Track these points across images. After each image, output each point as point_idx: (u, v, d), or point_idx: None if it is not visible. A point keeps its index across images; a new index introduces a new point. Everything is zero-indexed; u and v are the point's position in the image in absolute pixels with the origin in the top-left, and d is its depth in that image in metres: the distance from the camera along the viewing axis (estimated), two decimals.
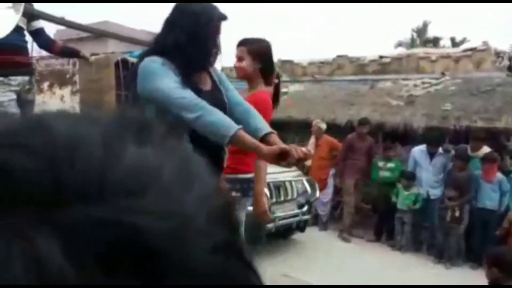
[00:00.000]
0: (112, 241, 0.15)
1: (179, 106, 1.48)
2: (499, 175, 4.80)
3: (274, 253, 4.48)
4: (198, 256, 0.17)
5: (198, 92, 1.59)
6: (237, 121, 1.59)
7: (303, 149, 1.53)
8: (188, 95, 1.50)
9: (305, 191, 4.98)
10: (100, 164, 0.17)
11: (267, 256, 4.05)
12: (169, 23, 1.66)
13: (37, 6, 2.61)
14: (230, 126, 1.47)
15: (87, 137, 0.18)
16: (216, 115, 1.49)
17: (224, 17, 1.69)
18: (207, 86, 1.72)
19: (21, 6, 1.68)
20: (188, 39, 1.59)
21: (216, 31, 1.67)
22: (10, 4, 1.63)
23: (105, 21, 12.22)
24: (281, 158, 1.46)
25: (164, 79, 1.51)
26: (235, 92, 1.82)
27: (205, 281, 0.17)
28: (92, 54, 2.82)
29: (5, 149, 0.16)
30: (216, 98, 1.69)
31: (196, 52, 1.61)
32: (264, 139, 1.57)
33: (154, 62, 1.56)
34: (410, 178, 5.32)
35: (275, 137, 1.57)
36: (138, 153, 0.18)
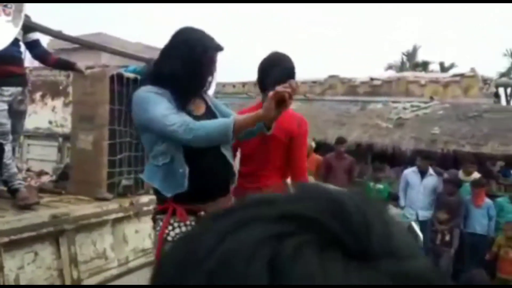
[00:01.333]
0: None
1: (174, 134, 1.52)
2: (487, 201, 4.86)
3: None
4: None
5: (193, 117, 1.62)
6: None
7: (291, 83, 1.50)
8: (178, 120, 1.52)
9: None
10: (385, 233, 0.25)
11: None
12: (166, 52, 1.71)
13: (31, 15, 2.61)
14: (225, 124, 1.51)
15: (372, 216, 0.25)
16: (208, 125, 1.53)
17: (219, 48, 1.71)
18: (201, 111, 1.76)
19: (20, 20, 1.69)
20: (183, 68, 1.62)
21: (211, 61, 1.69)
22: (9, 18, 1.64)
23: (99, 32, 12.25)
24: (281, 105, 1.47)
25: (157, 106, 1.54)
26: (227, 109, 1.88)
27: None
28: (87, 68, 2.82)
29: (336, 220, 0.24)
30: (210, 118, 1.72)
31: (190, 80, 1.65)
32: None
33: (148, 92, 1.60)
34: (393, 200, 5.35)
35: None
36: (398, 227, 0.27)
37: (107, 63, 5.59)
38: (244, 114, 1.88)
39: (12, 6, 1.65)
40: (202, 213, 1.66)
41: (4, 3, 1.62)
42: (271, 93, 1.45)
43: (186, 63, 1.62)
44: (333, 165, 5.65)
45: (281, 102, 1.45)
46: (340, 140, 5.78)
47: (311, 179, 5.77)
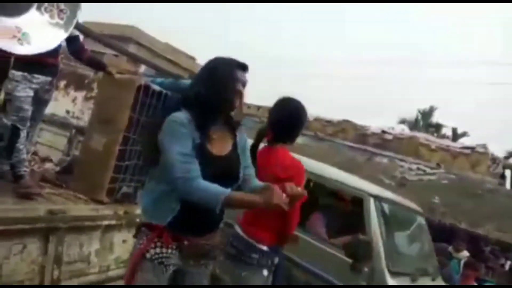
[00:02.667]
0: None
1: (174, 181, 1.58)
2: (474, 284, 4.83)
3: None
4: None
5: (211, 158, 1.68)
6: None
7: (297, 188, 1.61)
8: (184, 173, 1.57)
9: None
10: None
11: None
12: (195, 78, 1.81)
13: None
14: (217, 197, 1.56)
15: None
16: (204, 191, 1.57)
17: (241, 66, 1.76)
18: (225, 150, 1.77)
19: (71, 26, 1.74)
20: (206, 88, 1.70)
21: (233, 78, 1.73)
22: (61, 22, 1.68)
23: (132, 26, 12.48)
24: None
25: (177, 146, 1.60)
26: (249, 159, 1.90)
27: None
28: (118, 72, 2.87)
29: None
30: (230, 164, 1.77)
31: (213, 98, 1.70)
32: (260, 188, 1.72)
33: (176, 122, 1.64)
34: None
35: (271, 186, 1.65)
36: None
37: (136, 51, 5.64)
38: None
39: (68, 12, 1.71)
40: (186, 242, 1.68)
41: (61, 8, 1.68)
42: (278, 193, 1.53)
43: (209, 82, 1.72)
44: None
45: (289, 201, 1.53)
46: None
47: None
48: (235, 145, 1.82)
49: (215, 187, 1.57)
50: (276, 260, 2.21)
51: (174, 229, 1.66)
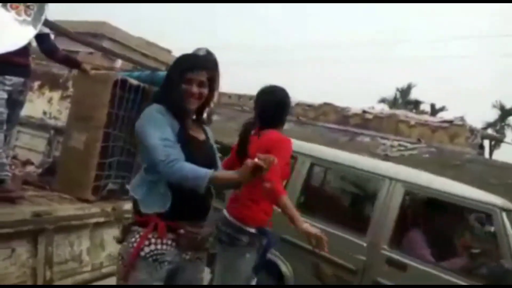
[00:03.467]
0: None
1: (158, 165, 1.59)
2: None
3: None
4: None
5: (194, 141, 1.72)
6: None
7: (270, 159, 1.56)
8: (166, 156, 1.57)
9: None
10: None
11: None
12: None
13: None
14: (201, 175, 1.56)
15: None
16: (188, 170, 1.58)
17: (190, 66, 1.75)
18: (202, 137, 1.85)
19: (40, 23, 1.70)
20: (163, 94, 1.76)
21: (179, 83, 1.74)
22: (29, 19, 1.65)
23: (103, 22, 12.20)
24: (256, 173, 1.53)
25: (156, 132, 1.61)
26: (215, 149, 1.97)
27: None
28: (93, 68, 2.82)
29: None
30: (210, 149, 1.85)
31: (169, 98, 1.73)
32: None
33: (156, 112, 1.67)
34: None
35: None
36: None
37: (110, 47, 5.56)
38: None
39: (35, 7, 1.67)
40: (182, 231, 1.68)
41: (27, 3, 1.64)
42: (249, 162, 1.51)
43: (163, 88, 1.78)
44: None
45: (257, 171, 1.51)
46: None
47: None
48: (207, 136, 1.89)
49: (199, 168, 1.58)
50: (264, 241, 2.25)
51: (168, 218, 1.66)
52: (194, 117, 1.87)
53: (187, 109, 1.77)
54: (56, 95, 3.66)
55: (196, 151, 1.70)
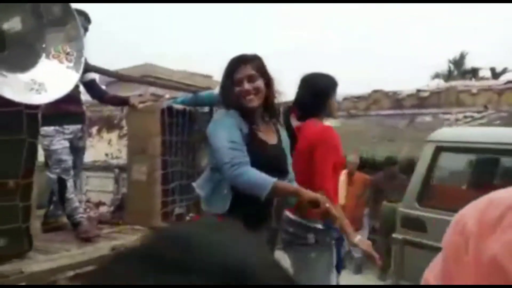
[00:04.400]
0: None
1: (222, 167, 1.61)
2: None
3: None
4: None
5: (263, 144, 1.71)
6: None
7: (328, 205, 1.65)
8: (231, 158, 1.58)
9: None
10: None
11: None
12: None
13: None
14: (265, 183, 1.57)
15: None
16: (252, 176, 1.58)
17: (235, 60, 1.74)
18: (273, 140, 1.81)
19: (81, 65, 1.81)
20: (222, 96, 1.78)
21: (227, 75, 1.74)
22: (71, 64, 1.76)
23: (145, 63, 12.86)
24: (312, 206, 1.63)
25: (224, 134, 1.63)
26: (287, 148, 1.92)
27: None
28: (140, 102, 2.95)
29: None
30: (280, 153, 1.81)
31: (228, 101, 1.73)
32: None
33: (223, 114, 1.70)
34: None
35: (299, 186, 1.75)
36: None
37: (155, 91, 5.82)
38: None
39: (74, 53, 1.77)
40: None
41: (67, 51, 1.75)
42: (314, 196, 1.62)
43: (221, 92, 1.79)
44: (381, 187, 5.42)
45: (315, 205, 1.62)
46: (391, 161, 5.51)
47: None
48: (279, 139, 1.84)
49: (262, 175, 1.58)
50: (335, 235, 2.13)
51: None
52: (267, 118, 1.82)
53: (251, 108, 1.73)
54: (114, 136, 3.88)
55: (264, 155, 1.68)
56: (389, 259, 5.31)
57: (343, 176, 5.98)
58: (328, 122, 2.54)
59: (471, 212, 0.60)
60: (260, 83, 1.72)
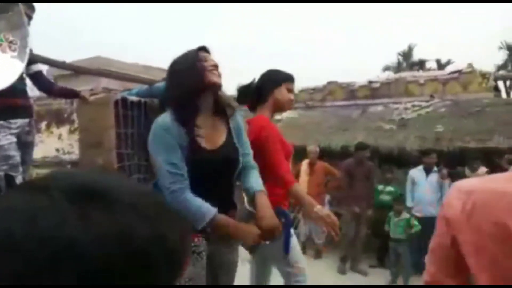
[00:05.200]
0: None
1: (162, 189, 1.61)
2: None
3: None
4: None
5: (204, 153, 1.67)
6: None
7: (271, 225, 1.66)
8: (170, 184, 1.59)
9: None
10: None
11: None
12: (166, 82, 1.88)
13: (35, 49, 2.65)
14: (202, 215, 1.57)
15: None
16: (189, 205, 1.58)
17: (200, 48, 1.74)
18: (218, 141, 1.74)
19: (26, 55, 1.71)
20: (175, 80, 1.73)
21: (193, 57, 1.71)
22: (15, 54, 1.66)
23: (97, 56, 12.36)
24: (262, 237, 1.64)
25: (163, 155, 1.62)
26: (247, 143, 1.88)
27: None
28: (91, 94, 2.84)
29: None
30: (226, 155, 1.74)
31: (184, 85, 1.69)
32: (253, 197, 1.73)
33: (161, 128, 1.65)
34: (400, 202, 5.30)
35: (261, 197, 1.70)
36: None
37: (107, 85, 5.63)
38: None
39: (17, 42, 1.68)
40: (208, 229, 1.66)
41: (10, 40, 1.65)
42: (256, 233, 1.62)
43: (173, 74, 1.74)
44: (354, 172, 5.62)
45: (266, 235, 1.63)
46: (362, 146, 5.72)
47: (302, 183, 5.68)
48: (229, 133, 1.78)
49: (201, 205, 1.57)
50: (283, 220, 2.22)
51: None
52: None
53: (218, 85, 1.70)
54: (64, 130, 3.71)
55: (205, 163, 1.66)
56: (352, 250, 5.49)
57: (304, 165, 6.14)
58: (286, 114, 2.63)
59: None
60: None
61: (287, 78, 2.34)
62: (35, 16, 2.49)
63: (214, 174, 1.66)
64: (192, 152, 1.64)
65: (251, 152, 1.88)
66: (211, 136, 1.73)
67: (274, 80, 2.31)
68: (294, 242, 2.24)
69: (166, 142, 1.62)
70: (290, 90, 2.33)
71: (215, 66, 1.70)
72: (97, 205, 0.34)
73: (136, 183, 0.42)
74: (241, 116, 1.88)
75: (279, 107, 2.34)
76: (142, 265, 0.33)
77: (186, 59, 1.72)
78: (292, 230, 2.32)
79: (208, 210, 1.57)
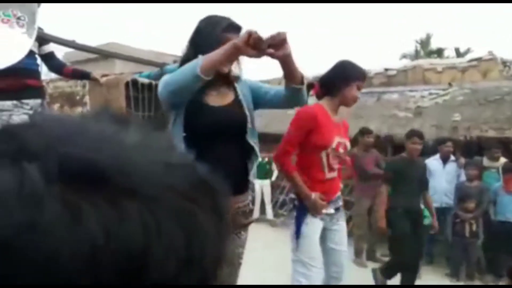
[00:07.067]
0: None
1: (160, 95, 1.61)
2: None
3: None
4: None
5: (208, 108, 1.64)
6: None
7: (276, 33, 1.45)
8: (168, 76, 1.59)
9: None
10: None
11: None
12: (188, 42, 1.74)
13: (48, 30, 2.65)
14: (192, 63, 1.50)
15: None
16: (179, 72, 1.55)
17: (231, 26, 1.66)
18: (225, 101, 1.72)
19: (34, 30, 1.70)
20: (195, 51, 1.62)
21: (218, 38, 1.61)
22: (23, 29, 1.65)
23: (111, 42, 12.42)
24: (255, 45, 1.43)
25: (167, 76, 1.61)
26: (265, 87, 1.85)
27: None
28: (103, 76, 2.84)
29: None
30: (231, 113, 1.70)
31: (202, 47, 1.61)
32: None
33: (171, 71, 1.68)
34: None
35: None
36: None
37: (121, 71, 5.64)
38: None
39: (25, 18, 1.67)
40: None
41: (18, 16, 1.64)
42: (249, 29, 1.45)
43: (193, 44, 1.66)
44: (363, 161, 5.43)
45: (257, 43, 1.42)
46: (366, 131, 5.55)
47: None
48: (236, 97, 1.75)
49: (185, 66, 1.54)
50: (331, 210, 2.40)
51: None
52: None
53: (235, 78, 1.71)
54: (76, 112, 3.72)
55: (213, 115, 1.64)
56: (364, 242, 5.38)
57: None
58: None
59: None
60: None
61: (359, 77, 2.34)
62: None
63: (217, 130, 1.61)
64: (196, 106, 1.61)
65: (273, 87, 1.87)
66: (218, 97, 1.72)
67: (346, 78, 2.31)
68: (311, 232, 2.25)
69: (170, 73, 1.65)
70: (360, 88, 2.35)
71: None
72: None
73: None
74: (246, 81, 1.83)
75: (344, 103, 2.38)
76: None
77: (210, 29, 1.65)
78: (343, 224, 2.46)
79: (193, 61, 1.50)
